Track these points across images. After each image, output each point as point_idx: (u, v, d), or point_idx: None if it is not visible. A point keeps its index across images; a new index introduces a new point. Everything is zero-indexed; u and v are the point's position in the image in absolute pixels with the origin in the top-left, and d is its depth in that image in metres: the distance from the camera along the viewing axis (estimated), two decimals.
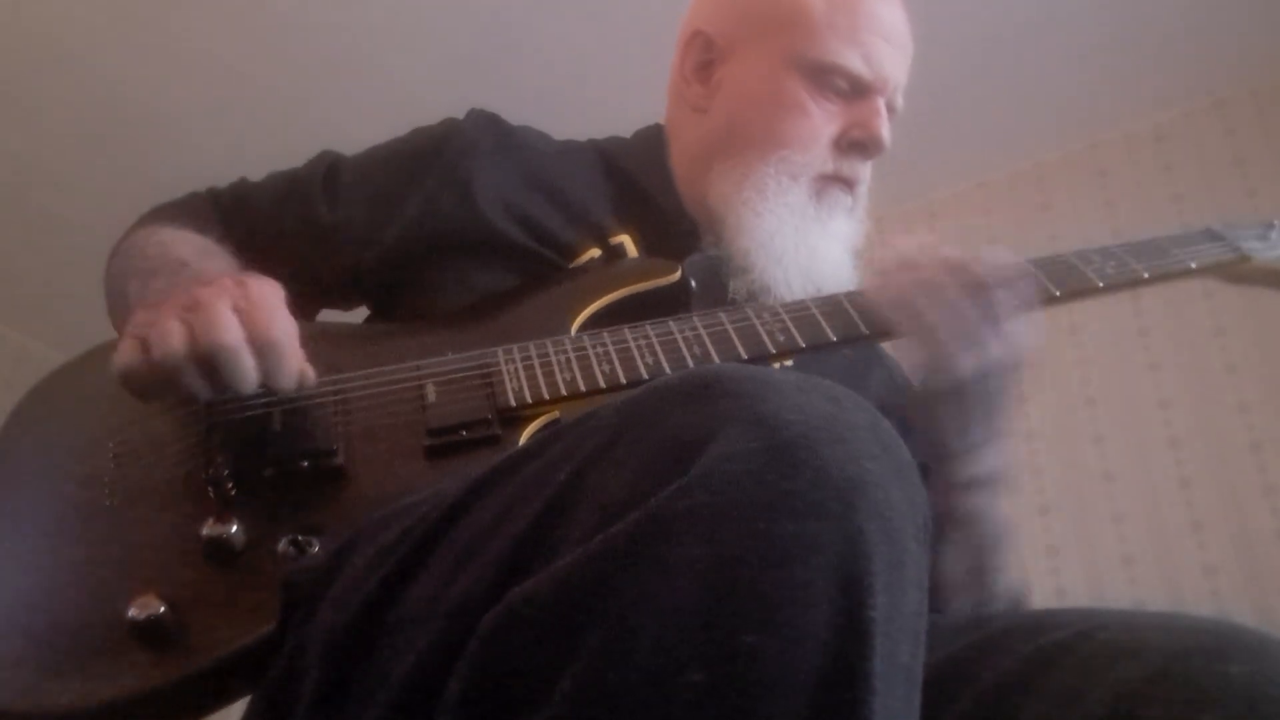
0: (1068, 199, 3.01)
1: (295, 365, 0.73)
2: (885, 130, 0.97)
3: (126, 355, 0.71)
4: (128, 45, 2.60)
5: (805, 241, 0.95)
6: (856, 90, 0.97)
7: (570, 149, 1.06)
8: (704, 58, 1.04)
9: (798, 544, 0.45)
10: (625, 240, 0.97)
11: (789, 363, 0.90)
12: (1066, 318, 2.83)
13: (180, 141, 2.76)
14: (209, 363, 0.69)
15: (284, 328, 0.72)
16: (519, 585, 0.49)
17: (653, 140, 1.08)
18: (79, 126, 2.79)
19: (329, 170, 1.00)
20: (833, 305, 0.86)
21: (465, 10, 2.55)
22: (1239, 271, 0.95)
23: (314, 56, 2.62)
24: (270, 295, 0.73)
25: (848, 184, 0.99)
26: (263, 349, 0.70)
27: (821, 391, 0.51)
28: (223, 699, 0.68)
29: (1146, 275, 0.90)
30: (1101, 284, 0.89)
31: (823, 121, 0.96)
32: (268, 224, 0.98)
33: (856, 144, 0.97)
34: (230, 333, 0.69)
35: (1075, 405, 2.78)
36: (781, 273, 0.94)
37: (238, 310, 0.70)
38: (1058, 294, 0.86)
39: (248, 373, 0.70)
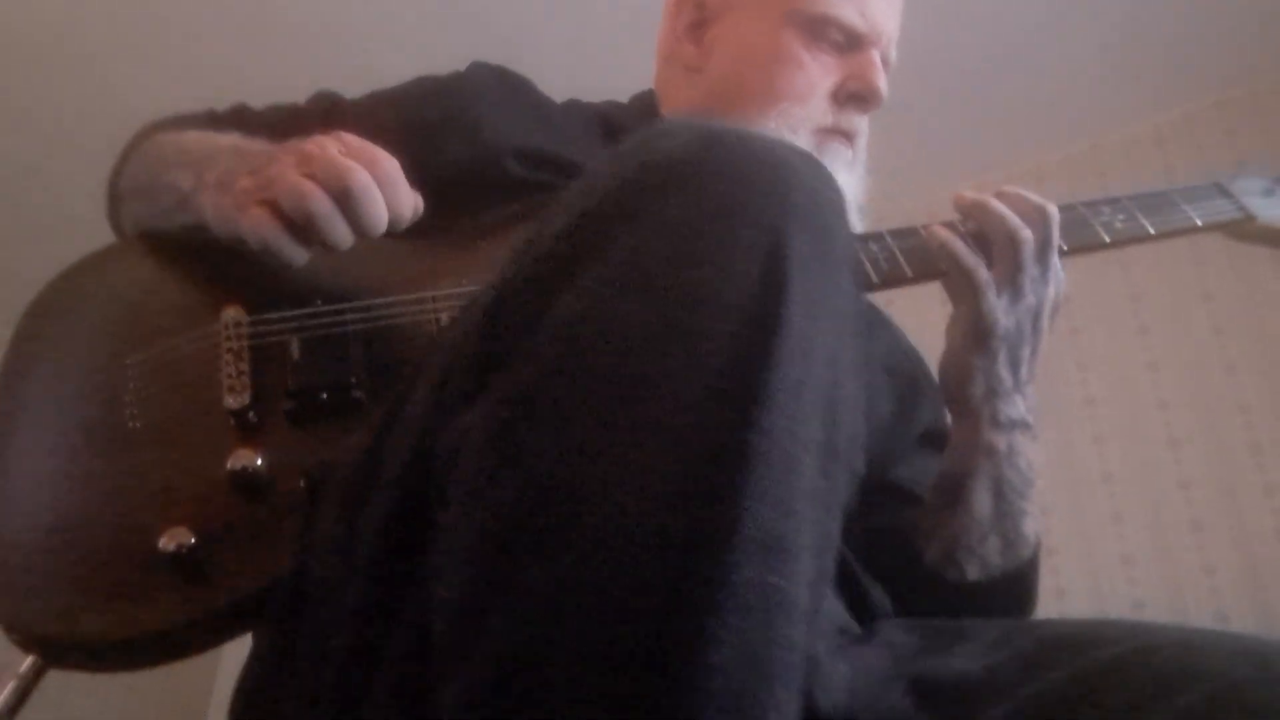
0: (1067, 199, 3.00)
1: (411, 196, 0.74)
2: (882, 82, 0.96)
3: (262, 220, 0.71)
4: (128, 47, 2.61)
5: None
6: (851, 43, 0.97)
7: (572, 108, 1.05)
8: (696, 17, 1.04)
9: (726, 222, 0.48)
10: None
11: None
12: (1066, 320, 2.83)
13: None
14: (344, 205, 0.70)
15: (393, 161, 0.73)
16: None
17: (647, 105, 1.07)
18: (79, 128, 2.80)
19: (331, 108, 0.99)
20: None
21: (469, 13, 2.55)
22: (1243, 230, 0.95)
23: (314, 60, 2.62)
24: (364, 140, 0.74)
25: (847, 137, 0.98)
26: (384, 183, 0.72)
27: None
28: (249, 629, 0.68)
29: (1153, 232, 0.90)
30: (1109, 239, 0.89)
31: (819, 74, 0.96)
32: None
33: (854, 96, 0.96)
34: (358, 171, 0.70)
35: (1075, 405, 2.78)
36: None
37: (347, 155, 0.71)
38: (1065, 248, 0.86)
39: (380, 207, 0.71)
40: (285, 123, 0.96)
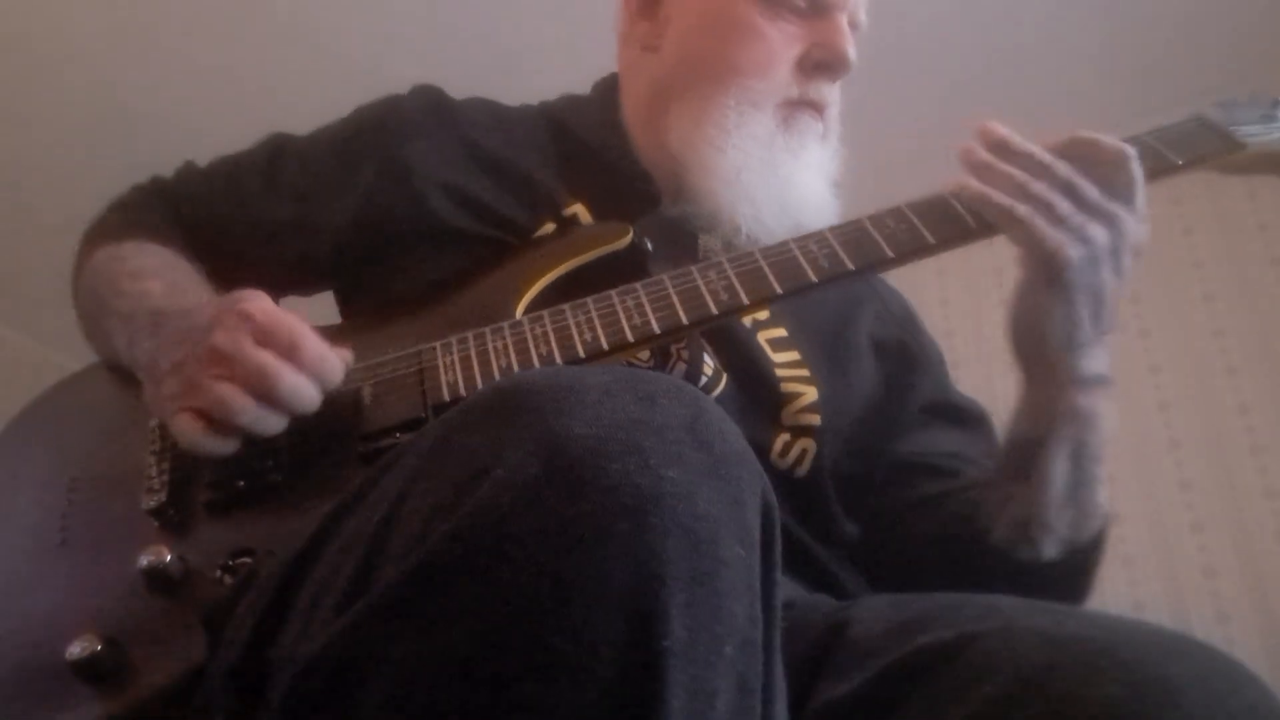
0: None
1: (337, 362, 0.72)
2: (850, 48, 0.90)
3: (192, 428, 0.69)
4: (126, 48, 2.60)
5: (776, 174, 0.89)
6: (815, 8, 0.91)
7: (515, 119, 1.00)
8: None
9: (582, 576, 0.42)
10: (579, 210, 0.91)
11: (762, 315, 0.87)
12: None
13: (178, 143, 2.75)
14: (273, 403, 0.69)
15: (308, 337, 0.71)
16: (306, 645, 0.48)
17: (606, 93, 1.02)
18: (78, 128, 2.80)
19: (272, 159, 0.97)
20: (781, 254, 0.79)
21: (471, 16, 2.55)
22: (1236, 162, 0.88)
23: (311, 60, 2.62)
24: (272, 310, 0.72)
25: (816, 109, 0.92)
26: (306, 366, 0.70)
27: (634, 392, 0.47)
28: None
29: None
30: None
31: (782, 44, 0.90)
32: (215, 222, 0.95)
33: (821, 65, 0.91)
34: (282, 375, 0.69)
35: None
36: (752, 209, 0.88)
37: (260, 343, 0.69)
38: (1180, 163, 0.82)
39: (311, 395, 0.70)
40: (225, 203, 0.95)
